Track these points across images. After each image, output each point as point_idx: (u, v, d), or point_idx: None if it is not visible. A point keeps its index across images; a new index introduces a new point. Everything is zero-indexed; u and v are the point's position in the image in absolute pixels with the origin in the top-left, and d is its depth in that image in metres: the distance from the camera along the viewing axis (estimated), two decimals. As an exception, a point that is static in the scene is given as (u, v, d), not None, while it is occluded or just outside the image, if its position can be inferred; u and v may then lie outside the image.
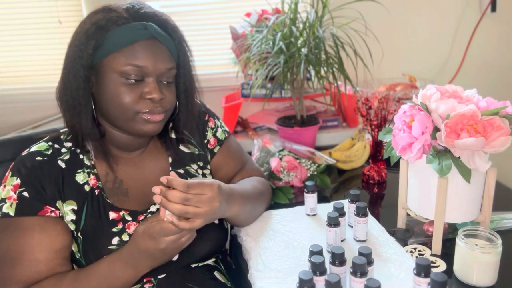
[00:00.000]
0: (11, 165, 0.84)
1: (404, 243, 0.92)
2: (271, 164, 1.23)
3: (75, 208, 0.84)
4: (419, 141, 0.81)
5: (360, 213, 0.90)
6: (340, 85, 1.30)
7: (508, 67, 1.90)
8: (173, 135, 0.99)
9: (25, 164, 0.83)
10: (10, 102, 1.85)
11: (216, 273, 0.93)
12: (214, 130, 1.05)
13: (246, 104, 1.58)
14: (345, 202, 0.97)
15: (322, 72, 1.30)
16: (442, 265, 0.84)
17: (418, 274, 0.70)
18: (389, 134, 0.92)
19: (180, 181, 0.77)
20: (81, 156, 0.88)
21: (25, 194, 0.81)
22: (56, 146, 0.87)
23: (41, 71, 1.86)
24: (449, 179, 0.82)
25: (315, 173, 1.26)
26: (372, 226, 0.97)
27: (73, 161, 0.87)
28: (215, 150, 1.04)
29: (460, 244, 0.78)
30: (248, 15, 1.57)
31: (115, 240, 0.84)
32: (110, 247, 0.83)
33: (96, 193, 0.87)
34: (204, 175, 1.00)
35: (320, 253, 0.76)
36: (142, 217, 0.88)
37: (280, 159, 1.25)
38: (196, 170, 0.99)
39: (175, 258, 0.87)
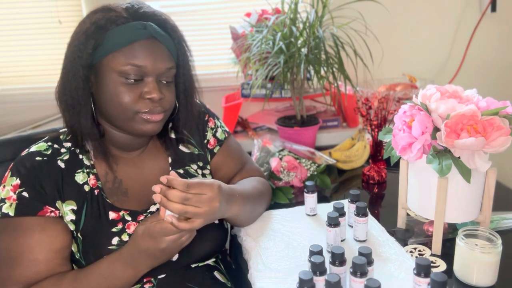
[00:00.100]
0: (11, 165, 0.84)
1: (404, 243, 0.92)
2: (271, 164, 1.23)
3: (75, 208, 0.84)
4: (419, 141, 0.81)
5: (360, 213, 0.90)
6: (340, 85, 1.30)
7: (508, 67, 1.90)
8: (172, 135, 0.99)
9: (24, 164, 0.83)
10: (10, 102, 1.85)
11: (216, 273, 0.93)
12: (214, 130, 1.05)
13: (246, 104, 1.58)
14: (345, 202, 0.97)
15: (322, 72, 1.30)
16: (442, 265, 0.84)
17: (418, 274, 0.70)
18: (389, 134, 0.92)
19: (180, 180, 0.77)
20: (80, 156, 0.88)
21: (25, 194, 0.81)
22: (55, 146, 0.87)
23: (41, 71, 1.86)
24: (449, 179, 0.82)
25: (315, 173, 1.26)
26: (372, 226, 0.97)
27: (72, 161, 0.87)
28: (215, 150, 1.04)
29: (460, 244, 0.78)
30: (248, 15, 1.57)
31: (115, 240, 0.84)
32: (110, 247, 0.83)
33: (96, 193, 0.87)
34: (203, 175, 1.00)
35: (320, 253, 0.76)
36: (142, 217, 0.88)
37: (280, 159, 1.25)
38: (195, 170, 0.99)
39: (175, 258, 0.87)
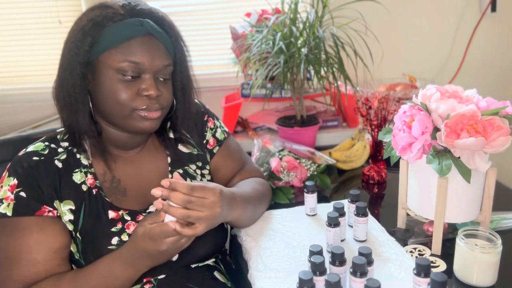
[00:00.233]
0: (8, 166, 0.84)
1: (404, 243, 0.92)
2: (271, 164, 1.23)
3: (73, 208, 0.84)
4: (419, 141, 0.81)
5: (360, 213, 0.90)
6: (340, 85, 1.30)
7: (508, 67, 1.90)
8: (171, 135, 0.99)
9: (21, 164, 0.83)
10: (10, 102, 1.85)
11: (216, 273, 0.93)
12: (214, 130, 1.05)
13: (246, 104, 1.58)
14: (345, 202, 0.97)
15: (322, 72, 1.30)
16: (442, 265, 0.84)
17: (418, 274, 0.70)
18: (389, 134, 0.92)
19: (185, 183, 0.77)
20: (78, 156, 0.88)
21: (22, 194, 0.81)
22: (52, 146, 0.87)
23: (41, 71, 1.86)
24: (449, 179, 0.82)
25: (315, 173, 1.26)
26: (372, 226, 0.97)
27: (70, 161, 0.87)
28: (215, 151, 1.04)
29: (460, 244, 0.78)
30: (248, 15, 1.57)
31: (114, 240, 0.83)
32: (109, 247, 0.83)
33: (94, 193, 0.86)
34: (203, 175, 1.00)
35: (320, 253, 0.76)
36: (141, 217, 0.87)
37: (280, 159, 1.25)
38: (194, 170, 0.99)
39: (174, 258, 0.87)
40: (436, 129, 0.81)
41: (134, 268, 0.81)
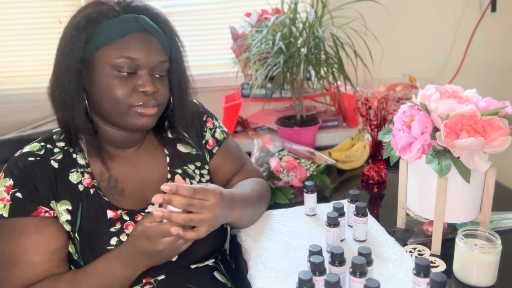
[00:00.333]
0: (4, 167, 0.84)
1: (403, 243, 0.92)
2: (271, 164, 1.23)
3: (70, 208, 0.84)
4: (419, 141, 0.81)
5: (360, 213, 0.90)
6: (340, 85, 1.30)
7: (508, 67, 1.90)
8: (170, 135, 0.99)
9: (17, 165, 0.82)
10: (10, 102, 1.85)
11: (216, 274, 0.93)
12: (213, 130, 1.05)
13: (246, 104, 1.58)
14: (345, 202, 0.97)
15: (322, 72, 1.30)
16: (441, 265, 0.84)
17: (417, 274, 0.70)
18: (388, 134, 0.92)
19: (187, 186, 0.77)
20: (74, 156, 0.88)
21: (18, 194, 0.80)
22: (48, 146, 0.87)
23: (41, 71, 1.86)
24: (448, 179, 0.82)
25: (315, 173, 1.26)
26: (371, 226, 0.97)
27: (66, 161, 0.86)
28: (214, 151, 1.04)
29: (460, 244, 0.78)
30: (248, 15, 1.57)
31: (113, 241, 0.83)
32: (108, 247, 0.83)
33: (92, 192, 0.86)
34: (201, 175, 1.00)
35: (319, 253, 0.76)
36: (139, 217, 0.87)
37: (280, 159, 1.25)
38: (193, 170, 0.99)
39: (174, 259, 0.86)
40: (436, 129, 0.81)
41: (132, 267, 0.80)
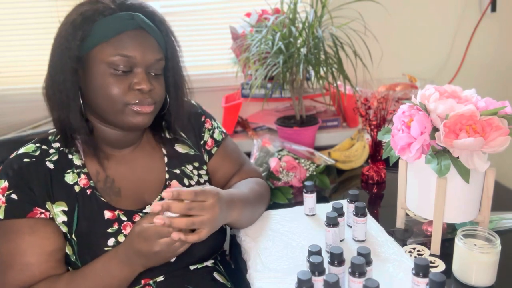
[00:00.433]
0: None
1: (403, 243, 0.92)
2: (270, 164, 1.23)
3: (66, 209, 0.83)
4: (418, 141, 0.81)
5: (359, 213, 0.90)
6: (339, 85, 1.30)
7: (508, 67, 1.90)
8: (168, 136, 0.98)
9: (12, 167, 0.82)
10: (10, 102, 1.85)
11: (215, 274, 0.92)
12: (211, 131, 1.05)
13: (246, 104, 1.58)
14: (344, 202, 0.97)
15: (322, 72, 1.30)
16: (441, 265, 0.84)
17: (416, 274, 0.70)
18: (388, 134, 0.92)
19: (188, 190, 0.76)
20: (70, 156, 0.87)
21: (14, 196, 0.80)
22: (44, 147, 0.86)
23: (41, 71, 1.81)
24: (448, 179, 0.82)
25: (314, 173, 1.26)
26: (371, 226, 0.97)
27: (61, 162, 0.86)
28: (213, 151, 1.04)
29: (459, 244, 0.78)
30: (248, 15, 1.57)
31: (111, 242, 0.83)
32: (106, 248, 0.82)
33: (89, 193, 0.85)
34: (200, 175, 1.00)
35: (318, 253, 0.76)
36: (137, 217, 0.87)
37: (279, 159, 1.25)
38: (191, 171, 0.99)
39: (173, 260, 0.86)
40: (435, 129, 0.81)
41: (130, 267, 0.80)
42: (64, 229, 0.83)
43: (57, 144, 0.88)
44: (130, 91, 0.82)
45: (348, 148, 1.42)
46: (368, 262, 0.75)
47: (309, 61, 1.27)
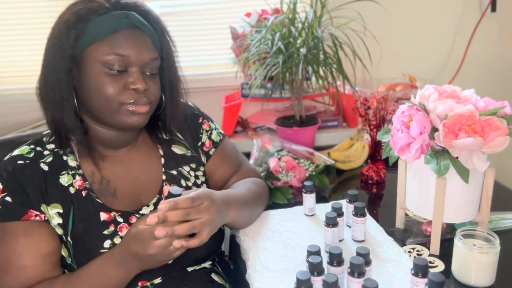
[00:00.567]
0: None
1: (402, 243, 0.92)
2: (270, 164, 1.23)
3: (61, 211, 0.82)
4: (417, 141, 0.81)
5: (358, 213, 0.90)
6: (339, 85, 1.30)
7: (508, 67, 1.90)
8: (164, 137, 0.98)
9: (6, 169, 0.81)
10: (10, 102, 1.85)
11: (213, 275, 0.92)
12: (209, 132, 1.04)
13: (246, 104, 1.58)
14: (344, 202, 0.97)
15: (321, 72, 1.30)
16: (440, 265, 0.84)
17: (416, 274, 0.70)
18: (387, 134, 0.92)
19: (184, 198, 0.76)
20: (64, 158, 0.86)
21: (8, 199, 0.79)
22: (38, 149, 0.85)
23: (41, 71, 1.85)
24: (447, 179, 0.82)
25: (314, 173, 1.26)
26: (370, 226, 0.97)
27: (56, 163, 0.85)
28: (211, 153, 1.04)
29: (458, 244, 0.78)
30: (248, 15, 1.57)
31: (107, 244, 0.82)
32: (102, 250, 0.81)
33: (84, 195, 0.84)
34: (196, 176, 0.99)
35: (318, 253, 0.76)
36: (134, 219, 0.86)
37: (279, 159, 1.25)
38: (188, 172, 0.98)
39: (170, 262, 0.84)
40: (434, 129, 0.81)
41: (125, 269, 0.79)
42: (60, 231, 0.82)
43: (52, 146, 0.87)
44: (125, 90, 0.81)
45: (348, 148, 1.42)
46: (367, 262, 0.75)
47: (308, 61, 1.27)
